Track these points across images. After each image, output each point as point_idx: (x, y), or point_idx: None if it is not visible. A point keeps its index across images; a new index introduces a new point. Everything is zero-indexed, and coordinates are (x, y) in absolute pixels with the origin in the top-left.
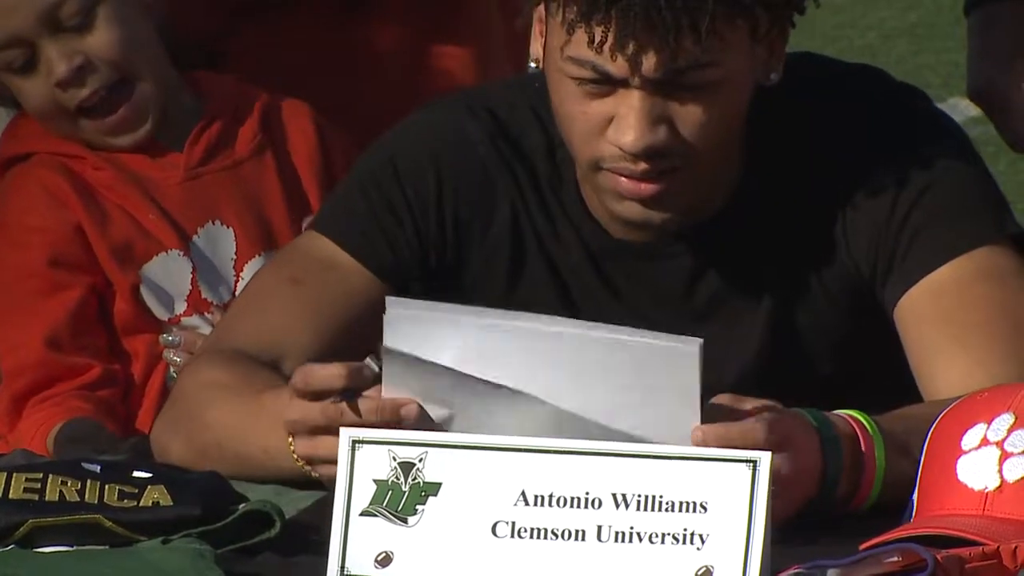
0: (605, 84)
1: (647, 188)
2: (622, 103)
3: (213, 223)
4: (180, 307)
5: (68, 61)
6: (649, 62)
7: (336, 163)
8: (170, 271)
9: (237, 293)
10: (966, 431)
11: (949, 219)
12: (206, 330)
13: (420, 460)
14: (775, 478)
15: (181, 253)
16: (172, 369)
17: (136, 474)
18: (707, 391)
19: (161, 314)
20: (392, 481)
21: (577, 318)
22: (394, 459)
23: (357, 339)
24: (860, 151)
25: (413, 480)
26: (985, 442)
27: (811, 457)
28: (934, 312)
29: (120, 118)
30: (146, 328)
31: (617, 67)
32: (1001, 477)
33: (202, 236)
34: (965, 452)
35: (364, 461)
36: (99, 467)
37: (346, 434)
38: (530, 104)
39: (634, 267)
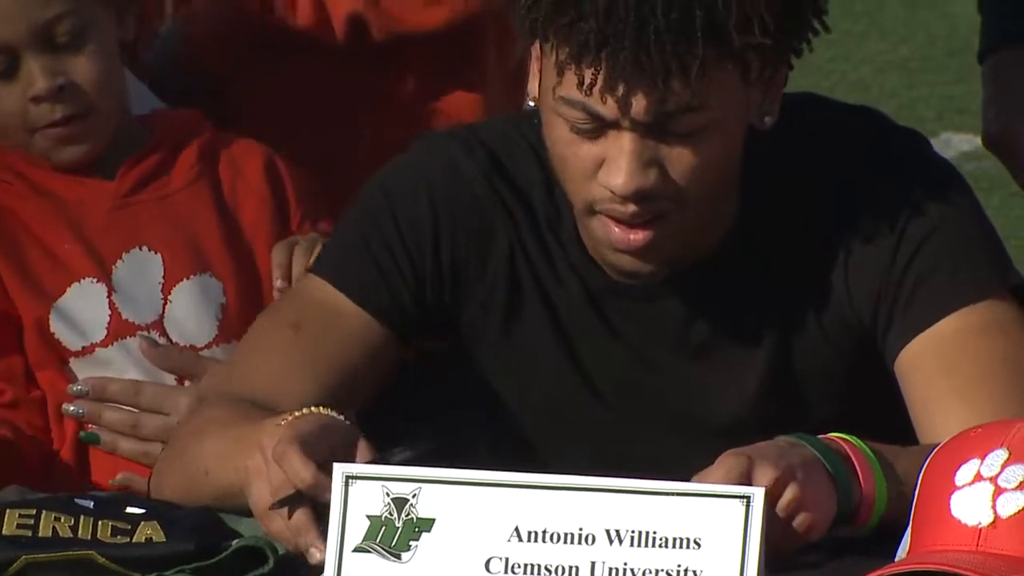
0: (596, 126)
1: (637, 238)
2: (613, 145)
3: (140, 248)
4: (98, 335)
5: (51, 79)
6: (639, 104)
7: (289, 199)
8: (84, 300)
9: (165, 317)
10: (960, 467)
11: (951, 270)
12: (120, 369)
13: (414, 496)
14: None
15: (95, 280)
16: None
17: (129, 510)
18: (702, 432)
19: (73, 343)
20: (385, 517)
21: (574, 356)
22: (388, 495)
23: (357, 382)
24: (860, 195)
25: (407, 516)
26: (979, 477)
27: (821, 474)
28: (936, 364)
29: (72, 131)
30: (52, 363)
31: (607, 109)
32: (995, 513)
33: (126, 261)
34: (959, 488)
35: (358, 497)
36: (92, 503)
37: (339, 469)
38: (527, 140)
39: (631, 307)
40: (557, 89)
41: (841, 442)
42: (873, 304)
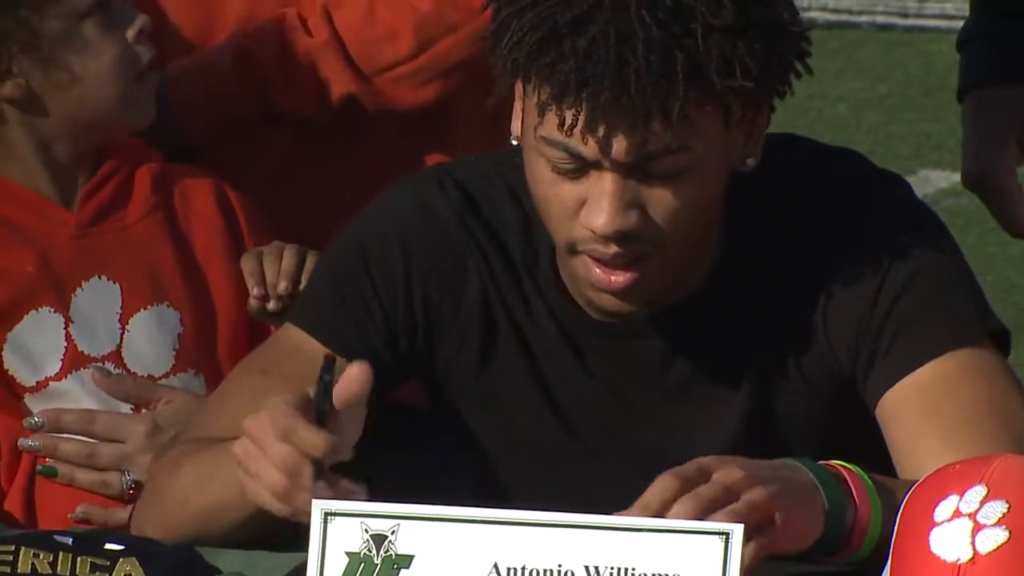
0: (578, 166)
1: (619, 279)
2: (594, 186)
3: (99, 278)
4: (53, 366)
5: (139, 20)
6: (619, 145)
7: (241, 228)
8: (41, 329)
9: (123, 347)
10: (939, 503)
11: (931, 316)
12: (76, 400)
13: (392, 532)
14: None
15: (52, 310)
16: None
17: (108, 546)
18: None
19: (27, 378)
20: (364, 553)
21: (550, 397)
22: (366, 531)
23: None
24: (841, 238)
25: (385, 552)
26: (958, 514)
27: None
28: (918, 409)
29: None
30: (5, 402)
31: (589, 149)
32: (974, 549)
33: (86, 290)
34: (938, 524)
35: (336, 533)
36: (71, 539)
37: (318, 506)
38: (505, 179)
39: (609, 346)
40: (538, 129)
41: (839, 467)
42: (853, 348)
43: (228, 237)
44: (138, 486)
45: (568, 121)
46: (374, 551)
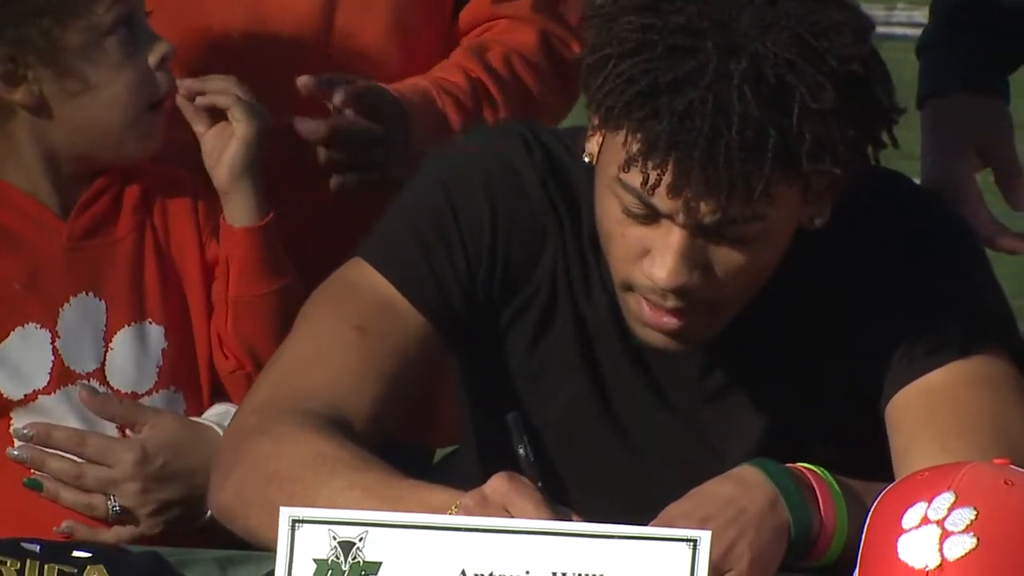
0: (650, 214)
1: (670, 322)
2: (663, 238)
3: (87, 294)
4: (41, 381)
5: (163, 47)
6: (697, 210)
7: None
8: (28, 345)
9: (107, 364)
10: (907, 509)
11: (950, 324)
12: (61, 417)
13: (360, 539)
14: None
15: (39, 326)
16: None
17: (76, 554)
18: (702, 471)
19: (14, 393)
20: (332, 560)
21: (595, 378)
22: (334, 538)
23: (412, 383)
24: (871, 254)
25: (353, 559)
26: (926, 520)
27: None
28: (922, 413)
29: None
30: None
31: (665, 206)
32: (942, 556)
33: (73, 305)
34: (906, 531)
35: (304, 540)
36: (39, 547)
37: (286, 513)
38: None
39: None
40: (619, 172)
41: (806, 472)
42: (878, 360)
43: (201, 254)
44: (124, 512)
45: (651, 180)
46: (342, 558)
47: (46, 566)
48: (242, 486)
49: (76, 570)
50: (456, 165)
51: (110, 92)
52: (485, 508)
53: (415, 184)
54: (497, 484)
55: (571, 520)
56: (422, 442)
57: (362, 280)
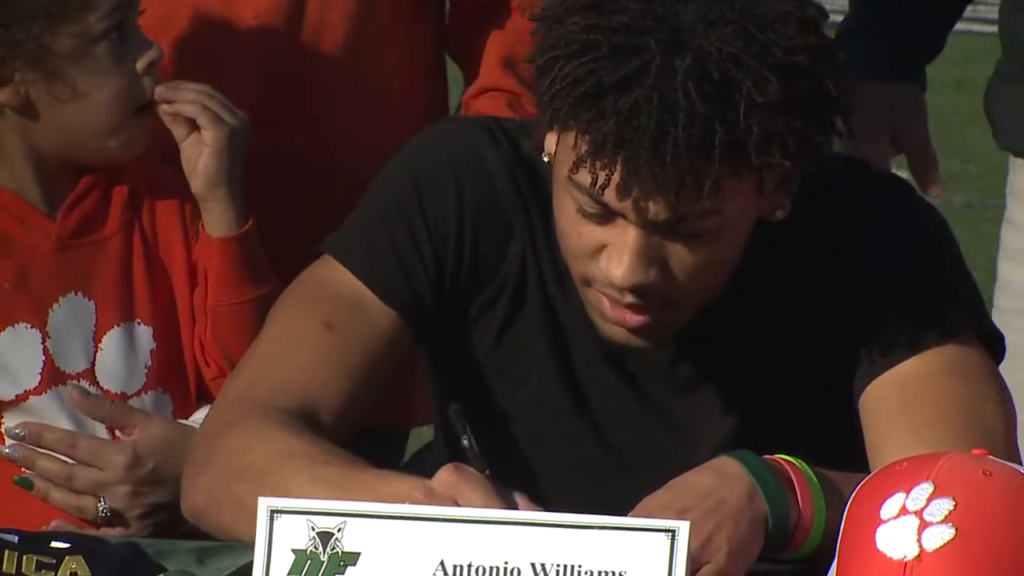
0: (604, 213)
1: (631, 319)
2: (618, 236)
3: (76, 294)
4: (32, 381)
5: (151, 52)
6: (649, 208)
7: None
8: (18, 345)
9: (97, 365)
10: (885, 500)
11: (919, 312)
12: (51, 418)
13: (339, 530)
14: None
15: (29, 326)
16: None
17: (54, 544)
18: (674, 463)
19: (5, 393)
20: (311, 551)
21: (566, 368)
22: (313, 529)
23: (381, 379)
24: (839, 242)
25: (332, 550)
26: (904, 511)
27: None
28: (895, 403)
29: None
30: None
31: (617, 204)
32: (920, 546)
33: (63, 305)
34: (884, 521)
35: (282, 531)
36: (17, 537)
37: (264, 503)
38: None
39: None
40: (570, 173)
41: (784, 464)
42: (849, 349)
43: (187, 254)
44: (114, 514)
45: (600, 180)
46: (320, 548)
47: (24, 556)
48: (213, 483)
49: (54, 560)
50: (424, 159)
51: (97, 98)
52: (433, 500)
53: (383, 178)
54: (444, 476)
55: (516, 503)
56: (398, 425)
57: (330, 276)
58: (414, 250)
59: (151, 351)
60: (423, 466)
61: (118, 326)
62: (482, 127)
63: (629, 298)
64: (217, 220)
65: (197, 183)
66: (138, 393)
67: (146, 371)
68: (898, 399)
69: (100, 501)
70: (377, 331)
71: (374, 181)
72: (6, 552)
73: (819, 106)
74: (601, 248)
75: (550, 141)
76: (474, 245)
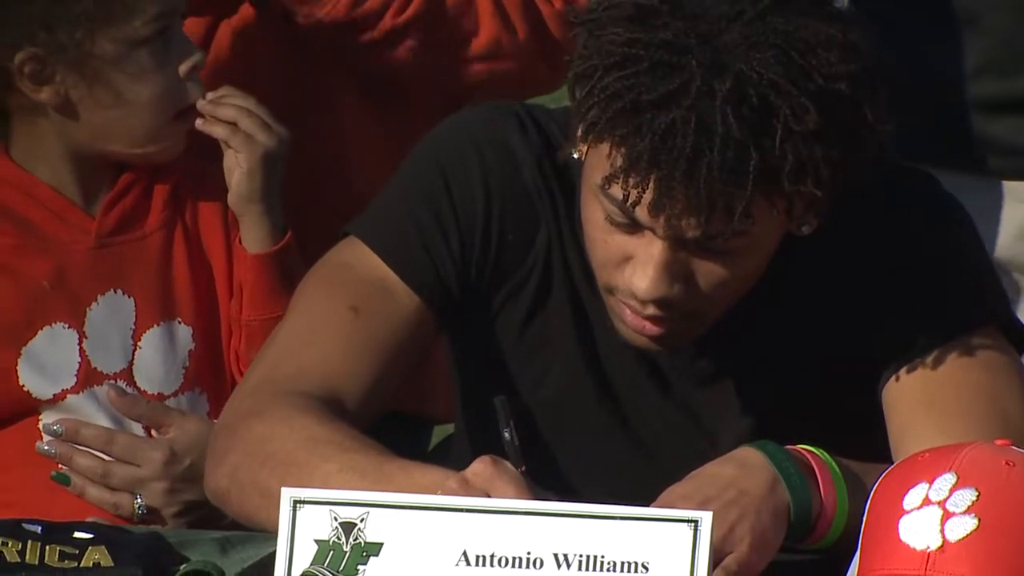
0: (632, 223)
1: (651, 329)
2: (645, 248)
3: (115, 292)
4: (68, 381)
5: (194, 57)
6: (678, 227)
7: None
8: (55, 346)
9: (135, 364)
10: (908, 490)
11: (945, 305)
12: (88, 416)
13: (361, 520)
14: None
15: (67, 326)
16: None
17: (77, 535)
18: (693, 455)
19: (43, 392)
20: (333, 541)
21: (591, 358)
22: (335, 519)
23: (406, 364)
24: (863, 236)
25: (354, 540)
26: (927, 502)
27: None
28: (920, 395)
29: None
30: (21, 411)
31: (646, 220)
32: (943, 537)
33: (101, 304)
34: (907, 511)
35: (305, 521)
36: (40, 528)
37: (287, 494)
38: None
39: None
40: (602, 183)
41: (807, 454)
42: (874, 343)
43: (228, 254)
44: (150, 512)
45: (632, 198)
46: (343, 539)
47: (47, 547)
48: (236, 469)
49: (77, 551)
50: (452, 145)
51: (138, 101)
52: (467, 491)
53: (411, 163)
54: (479, 468)
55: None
56: (425, 413)
57: (356, 260)
58: (440, 236)
59: (190, 351)
60: (444, 457)
61: (158, 325)
62: (511, 113)
63: (651, 310)
64: (252, 236)
65: (231, 197)
66: (175, 394)
67: (184, 371)
68: (921, 391)
69: (136, 498)
70: (402, 316)
71: (401, 165)
72: (29, 542)
73: (855, 134)
74: (627, 259)
75: (582, 145)
76: (501, 233)
